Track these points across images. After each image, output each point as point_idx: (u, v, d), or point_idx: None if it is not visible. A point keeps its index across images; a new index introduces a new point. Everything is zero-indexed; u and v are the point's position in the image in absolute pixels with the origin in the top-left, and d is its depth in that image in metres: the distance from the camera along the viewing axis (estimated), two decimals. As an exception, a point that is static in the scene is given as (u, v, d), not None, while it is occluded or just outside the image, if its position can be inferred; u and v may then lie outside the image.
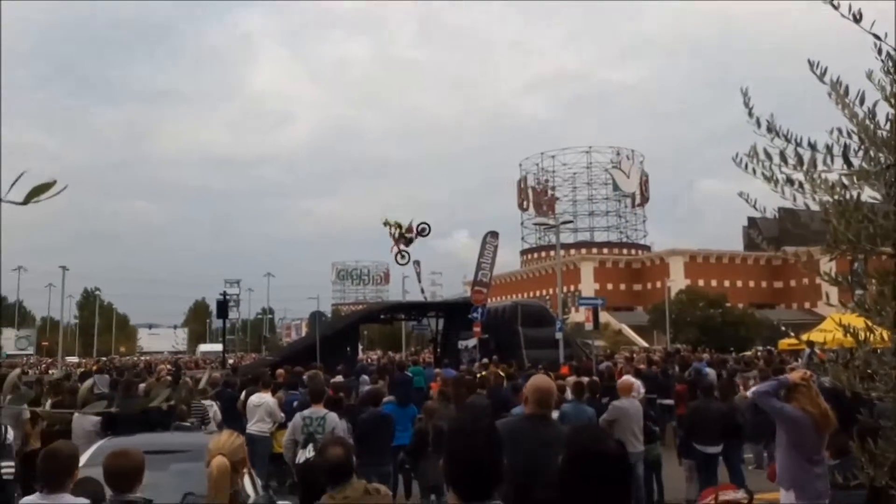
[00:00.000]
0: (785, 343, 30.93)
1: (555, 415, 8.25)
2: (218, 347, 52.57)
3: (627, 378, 9.64)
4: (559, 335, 22.65)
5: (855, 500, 3.43)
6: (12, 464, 6.09)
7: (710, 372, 15.03)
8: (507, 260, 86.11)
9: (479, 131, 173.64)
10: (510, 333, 23.97)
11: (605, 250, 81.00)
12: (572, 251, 78.75)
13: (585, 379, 10.04)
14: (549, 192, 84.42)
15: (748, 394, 11.59)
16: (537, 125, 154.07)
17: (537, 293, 74.22)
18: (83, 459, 4.93)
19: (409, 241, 24.69)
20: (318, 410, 7.63)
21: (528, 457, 3.05)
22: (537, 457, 2.32)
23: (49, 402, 9.13)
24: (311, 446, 7.19)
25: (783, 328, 32.81)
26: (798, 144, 2.33)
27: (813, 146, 2.32)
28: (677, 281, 59.87)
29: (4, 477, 5.79)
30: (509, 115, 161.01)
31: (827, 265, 2.55)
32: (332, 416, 7.57)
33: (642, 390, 12.84)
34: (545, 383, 4.05)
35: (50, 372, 27.95)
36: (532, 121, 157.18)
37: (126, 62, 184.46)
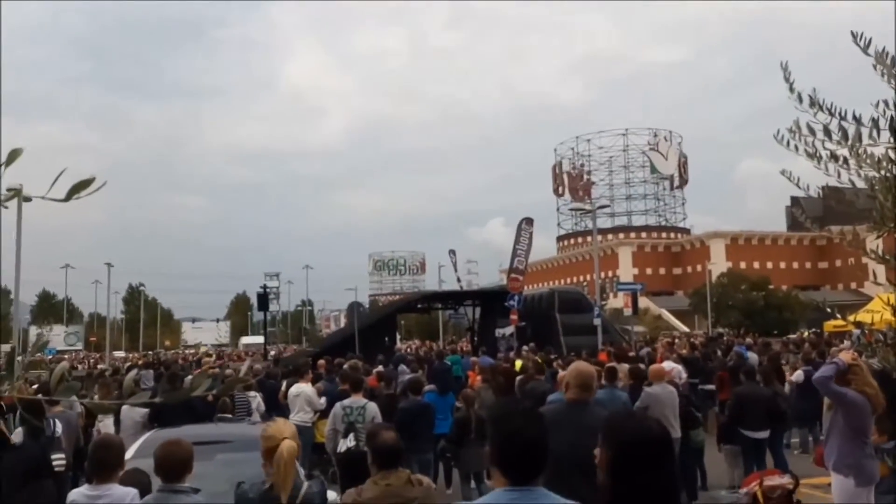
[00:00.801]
0: (831, 325, 30.18)
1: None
2: (259, 339, 53.54)
3: (659, 365, 9.52)
4: (597, 321, 22.46)
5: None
6: (63, 456, 6.31)
7: (752, 356, 14.75)
8: (544, 246, 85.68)
9: (514, 117, 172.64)
10: (547, 320, 23.85)
11: (644, 234, 79.89)
12: (609, 236, 77.86)
13: (626, 365, 9.93)
14: (585, 176, 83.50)
15: (792, 378, 11.40)
16: (574, 109, 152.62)
17: (574, 279, 73.64)
18: (132, 450, 5.08)
19: None
20: (357, 400, 7.71)
21: (571, 443, 3.05)
22: (580, 443, 2.32)
23: (96, 395, 9.42)
24: (352, 436, 7.27)
25: (829, 310, 31.88)
26: (843, 118, 2.25)
27: (858, 119, 2.24)
28: (718, 264, 58.78)
29: (56, 469, 5.99)
30: (545, 99, 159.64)
31: (874, 243, 2.47)
32: (372, 406, 7.65)
33: (684, 375, 12.67)
34: (586, 368, 4.05)
35: (98, 367, 28.82)
36: (569, 105, 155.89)
37: (163, 58, 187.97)
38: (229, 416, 8.45)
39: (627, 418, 2.42)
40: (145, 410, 8.37)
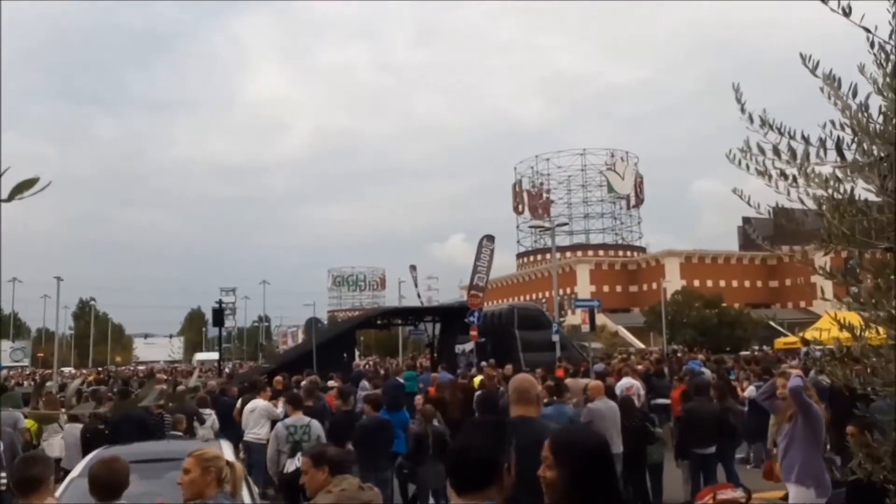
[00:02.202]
0: (781, 342, 31.02)
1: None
2: (214, 356, 52.43)
3: (597, 381, 9.63)
4: (556, 338, 22.62)
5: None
6: (4, 475, 6.04)
7: (706, 372, 15.02)
8: (504, 263, 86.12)
9: (477, 134, 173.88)
10: (507, 337, 23.94)
11: (601, 252, 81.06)
12: (568, 254, 78.79)
13: (585, 381, 10.01)
14: (545, 195, 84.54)
15: (745, 394, 11.64)
16: (535, 127, 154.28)
17: (534, 296, 74.19)
18: (78, 469, 4.89)
19: None
20: (300, 418, 7.58)
21: (518, 459, 3.07)
22: (526, 458, 2.32)
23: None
24: (299, 455, 7.15)
25: (779, 327, 32.92)
26: (791, 138, 2.33)
27: (806, 139, 2.32)
28: (673, 282, 59.95)
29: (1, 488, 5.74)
30: (507, 117, 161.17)
31: (822, 260, 2.55)
32: (316, 424, 7.52)
33: (643, 392, 12.83)
34: (524, 381, 4.05)
35: (48, 384, 27.78)
36: (530, 123, 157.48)
37: (122, 70, 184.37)
38: (180, 433, 8.23)
39: (578, 433, 2.43)
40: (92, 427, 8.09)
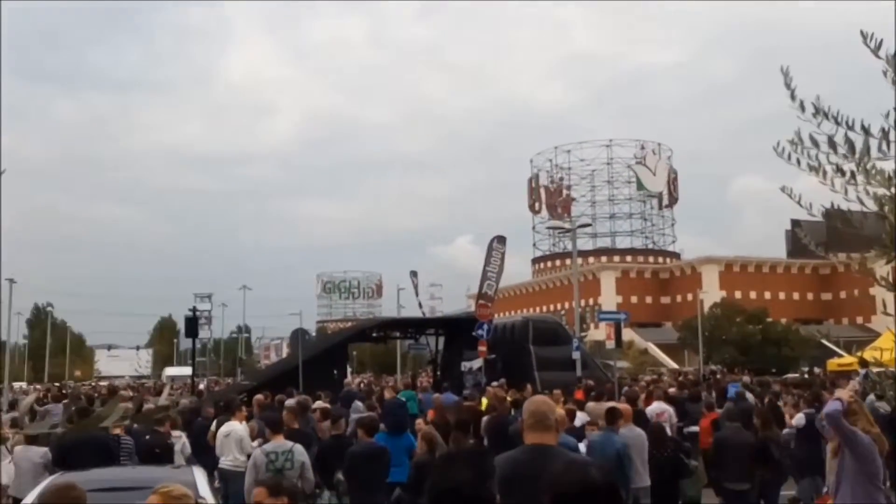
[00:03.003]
0: (834, 363, 30.86)
1: (581, 447, 8.28)
2: (187, 371, 52.46)
3: (625, 405, 9.59)
4: (576, 355, 22.56)
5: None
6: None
7: (749, 396, 14.99)
8: (517, 269, 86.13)
9: (487, 122, 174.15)
10: (520, 353, 23.89)
11: (629, 258, 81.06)
12: (591, 259, 78.77)
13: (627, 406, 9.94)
14: (565, 191, 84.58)
15: (794, 422, 11.60)
16: (554, 115, 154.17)
17: (551, 307, 74.19)
18: (30, 497, 4.90)
19: None
20: (281, 443, 7.55)
21: (528, 492, 3.05)
22: (539, 495, 2.33)
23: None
24: None
25: (833, 346, 32.73)
26: (850, 128, 2.31)
27: (867, 130, 2.31)
28: (711, 293, 59.89)
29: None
30: (522, 103, 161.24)
31: (883, 269, 2.53)
32: (300, 449, 7.49)
33: (675, 419, 12.83)
34: (542, 404, 4.03)
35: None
36: (548, 110, 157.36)
37: (85, 46, 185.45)
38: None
39: (567, 466, 2.45)
40: (44, 450, 8.10)
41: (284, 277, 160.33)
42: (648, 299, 74.62)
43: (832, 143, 2.34)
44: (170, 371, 74.48)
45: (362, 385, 33.17)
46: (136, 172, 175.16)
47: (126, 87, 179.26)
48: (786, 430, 11.39)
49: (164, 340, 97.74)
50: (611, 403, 11.03)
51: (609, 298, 70.49)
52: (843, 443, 5.29)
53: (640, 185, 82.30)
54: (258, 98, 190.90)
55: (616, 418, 8.64)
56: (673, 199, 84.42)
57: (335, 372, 24.86)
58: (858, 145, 2.33)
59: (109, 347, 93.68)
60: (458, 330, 26.51)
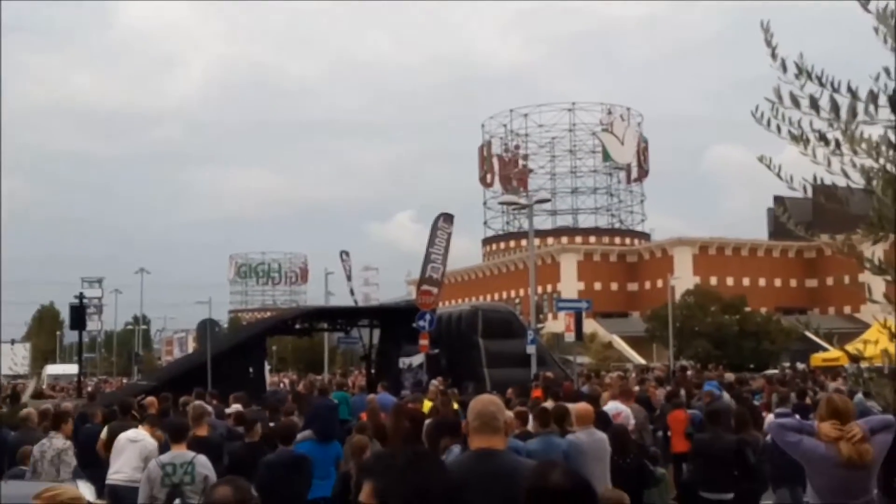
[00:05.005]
0: (819, 358, 31.93)
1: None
2: (73, 369, 51.36)
3: (584, 405, 9.75)
4: (532, 349, 22.80)
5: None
6: None
7: (725, 395, 15.38)
8: (465, 251, 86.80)
9: (431, 81, 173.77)
10: (467, 347, 24.05)
11: (592, 239, 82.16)
12: (549, 240, 79.61)
13: (585, 406, 10.08)
14: (521, 162, 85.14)
15: (766, 426, 11.96)
16: (507, 73, 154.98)
17: (504, 295, 74.76)
18: None
19: None
20: (181, 454, 7.50)
21: (478, 502, 3.10)
22: (489, 500, 2.36)
23: None
24: (177, 503, 7.09)
25: (816, 338, 33.86)
26: (835, 90, 2.35)
27: (854, 92, 2.35)
28: (684, 279, 61.15)
29: None
30: (474, 60, 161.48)
31: (870, 250, 2.59)
32: (202, 460, 7.44)
33: (633, 421, 13.09)
34: (489, 404, 4.10)
35: None
36: (503, 68, 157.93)
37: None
38: (25, 468, 8.08)
39: (539, 468, 2.49)
40: None
41: (190, 259, 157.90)
42: (614, 286, 75.80)
43: (814, 104, 2.38)
44: (52, 369, 72.70)
45: (283, 385, 33.02)
46: (10, 131, 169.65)
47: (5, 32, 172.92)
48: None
49: (44, 333, 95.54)
50: (571, 405, 11.18)
51: (569, 285, 71.35)
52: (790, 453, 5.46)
53: (606, 156, 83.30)
54: (161, 46, 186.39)
55: (562, 419, 8.78)
56: (643, 172, 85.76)
57: (251, 370, 24.63)
58: (844, 107, 2.38)
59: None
60: (396, 321, 26.51)
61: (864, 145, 2.36)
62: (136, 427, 10.32)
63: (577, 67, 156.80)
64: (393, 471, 2.34)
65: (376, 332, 28.15)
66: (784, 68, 2.53)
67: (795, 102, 2.42)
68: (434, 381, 17.86)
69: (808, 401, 13.36)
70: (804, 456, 5.29)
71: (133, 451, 9.77)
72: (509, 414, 5.60)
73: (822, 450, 5.24)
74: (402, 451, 2.51)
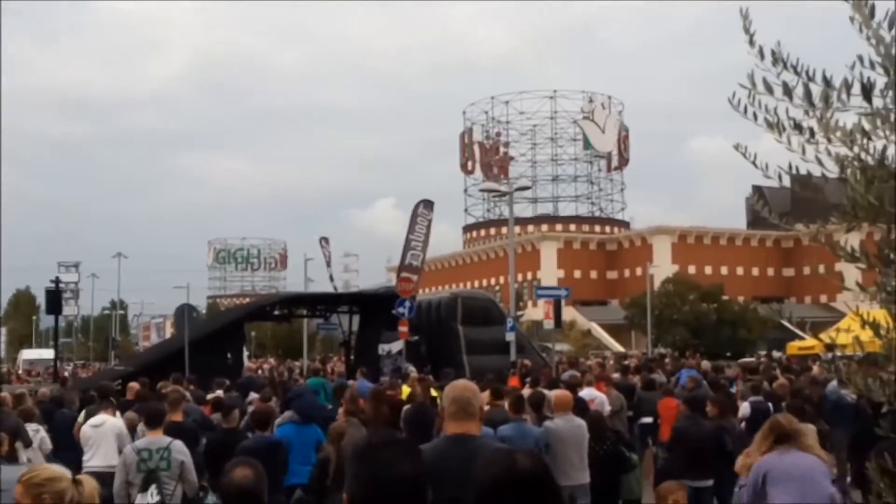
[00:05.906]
0: (795, 346, 32.27)
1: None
2: (49, 354, 51.08)
3: (563, 392, 9.81)
4: (511, 336, 22.90)
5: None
6: None
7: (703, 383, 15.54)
8: (446, 238, 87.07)
9: (412, 68, 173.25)
10: (447, 334, 24.15)
11: (572, 227, 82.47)
12: (530, 227, 79.85)
13: (564, 393, 10.14)
14: (502, 149, 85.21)
15: (739, 413, 12.11)
16: (489, 60, 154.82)
17: (484, 282, 74.96)
18: None
19: None
20: (156, 439, 7.49)
21: (455, 487, 3.11)
22: (465, 486, 2.38)
23: None
24: (153, 489, 7.10)
25: (793, 327, 34.23)
26: (810, 79, 2.38)
27: (828, 81, 2.37)
28: (662, 267, 61.58)
29: None
30: (456, 47, 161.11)
31: (845, 238, 2.62)
32: (178, 445, 7.43)
33: (608, 407, 13.21)
34: (464, 389, 4.12)
35: None
36: (485, 56, 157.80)
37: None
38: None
39: (492, 455, 2.51)
40: None
41: (169, 244, 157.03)
42: (593, 274, 76.18)
43: (787, 89, 2.40)
44: (27, 354, 72.25)
45: (262, 371, 32.97)
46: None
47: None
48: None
49: (20, 317, 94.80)
50: (551, 392, 11.25)
51: (549, 272, 71.64)
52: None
53: (587, 144, 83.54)
54: (143, 31, 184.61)
55: (538, 406, 8.82)
56: (623, 161, 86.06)
57: (229, 356, 24.61)
58: (817, 95, 2.40)
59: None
60: (375, 307, 26.54)
61: (838, 133, 2.38)
62: (114, 413, 10.32)
63: (559, 55, 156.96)
64: (371, 458, 2.35)
65: (356, 319, 28.19)
66: (761, 55, 2.55)
67: (769, 89, 2.43)
68: (411, 369, 17.93)
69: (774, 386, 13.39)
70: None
71: (109, 436, 9.76)
72: (484, 399, 5.65)
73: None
74: (380, 437, 2.53)
